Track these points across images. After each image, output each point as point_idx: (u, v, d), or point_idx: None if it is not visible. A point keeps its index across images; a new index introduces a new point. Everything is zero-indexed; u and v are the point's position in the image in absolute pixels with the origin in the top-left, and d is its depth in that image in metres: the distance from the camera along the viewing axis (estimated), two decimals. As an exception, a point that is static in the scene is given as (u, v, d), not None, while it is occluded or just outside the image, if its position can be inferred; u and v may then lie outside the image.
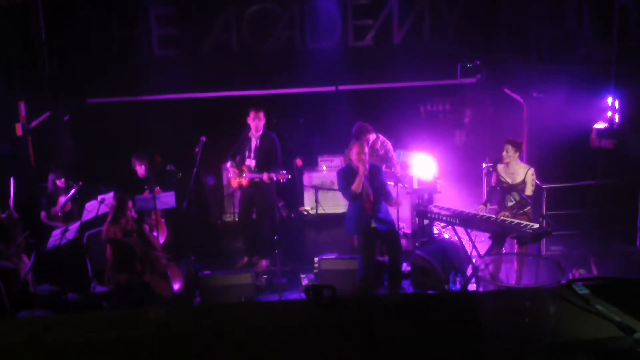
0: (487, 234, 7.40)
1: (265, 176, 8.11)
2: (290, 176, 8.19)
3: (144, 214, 7.86)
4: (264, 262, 8.64)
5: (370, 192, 7.04)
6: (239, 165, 8.34)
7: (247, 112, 8.31)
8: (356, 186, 6.99)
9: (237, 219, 9.31)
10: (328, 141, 10.75)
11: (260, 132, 8.34)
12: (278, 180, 8.11)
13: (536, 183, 7.43)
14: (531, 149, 9.11)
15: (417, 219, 9.10)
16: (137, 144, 9.29)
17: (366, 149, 7.14)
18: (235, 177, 8.41)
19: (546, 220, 7.45)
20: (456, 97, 11.11)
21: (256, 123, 8.24)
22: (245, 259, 8.74)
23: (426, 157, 8.73)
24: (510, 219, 7.12)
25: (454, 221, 7.44)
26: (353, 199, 7.04)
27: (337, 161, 10.46)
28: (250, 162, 8.39)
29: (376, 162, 8.45)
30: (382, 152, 8.73)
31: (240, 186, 8.45)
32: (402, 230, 9.22)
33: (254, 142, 8.42)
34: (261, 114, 8.28)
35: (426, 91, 10.96)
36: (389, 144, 8.75)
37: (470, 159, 10.33)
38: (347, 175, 7.15)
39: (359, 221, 7.14)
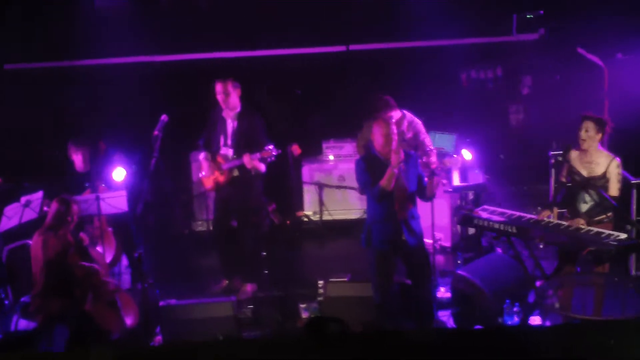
0: (555, 248, 7.53)
1: (246, 158, 8.23)
2: (280, 151, 8.29)
3: (85, 222, 7.93)
4: (248, 287, 8.70)
5: (406, 188, 7.12)
6: (214, 157, 8.52)
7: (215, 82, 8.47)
8: (387, 181, 7.00)
9: (211, 227, 9.41)
10: (335, 122, 10.90)
11: (237, 109, 8.49)
12: (264, 160, 8.21)
13: (623, 178, 7.50)
14: (615, 130, 9.16)
15: (459, 228, 9.33)
16: (73, 125, 9.40)
17: (394, 129, 7.15)
18: (210, 173, 8.57)
19: (637, 228, 7.53)
20: (511, 60, 11.28)
21: (226, 99, 8.40)
22: (224, 283, 8.82)
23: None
24: (586, 227, 7.14)
25: (509, 230, 7.48)
26: (381, 198, 7.07)
27: (348, 148, 10.64)
28: (227, 151, 8.54)
29: (404, 148, 8.60)
30: (409, 134, 8.80)
31: (217, 185, 8.58)
32: (439, 242, 9.43)
33: (229, 124, 8.56)
34: (230, 86, 8.41)
35: (469, 52, 11.14)
36: (419, 124, 8.84)
37: (530, 144, 10.45)
38: (371, 166, 7.15)
39: (386, 230, 7.16)
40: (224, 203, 8.71)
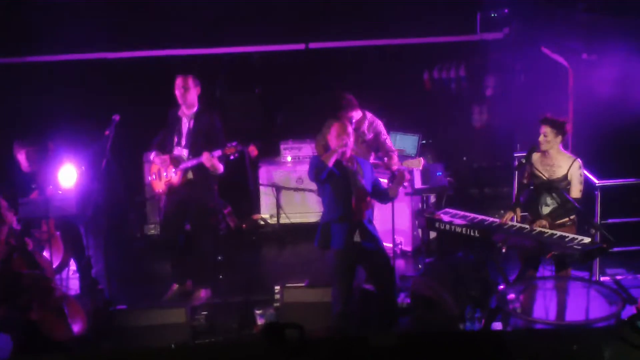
0: (518, 252, 7.56)
1: (205, 157, 8.17)
2: (241, 148, 8.25)
3: (31, 225, 7.86)
4: (202, 292, 8.65)
5: (365, 189, 7.20)
6: (167, 158, 8.44)
7: (173, 81, 8.42)
8: (327, 157, 7.09)
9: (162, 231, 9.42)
10: (294, 122, 10.97)
11: (195, 108, 8.44)
12: (227, 157, 8.19)
13: (586, 179, 7.61)
14: (579, 132, 9.23)
15: (420, 231, 9.34)
16: (19, 124, 9.35)
17: (350, 129, 7.24)
18: (162, 175, 8.50)
19: (601, 231, 7.47)
20: (475, 59, 11.35)
21: (184, 94, 8.32)
22: (175, 287, 8.74)
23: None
24: (550, 231, 7.22)
25: (471, 234, 7.54)
26: (319, 175, 7.12)
27: (307, 149, 10.65)
28: (181, 151, 8.46)
29: (363, 150, 8.59)
30: (370, 135, 8.83)
31: (170, 187, 8.52)
32: (400, 246, 9.46)
33: (185, 124, 8.50)
34: (190, 81, 8.36)
35: (432, 51, 11.19)
36: (380, 125, 8.86)
37: (494, 146, 10.54)
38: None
39: (341, 230, 7.19)
40: (178, 206, 8.62)
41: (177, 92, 8.40)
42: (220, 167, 8.39)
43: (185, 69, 8.70)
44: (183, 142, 8.48)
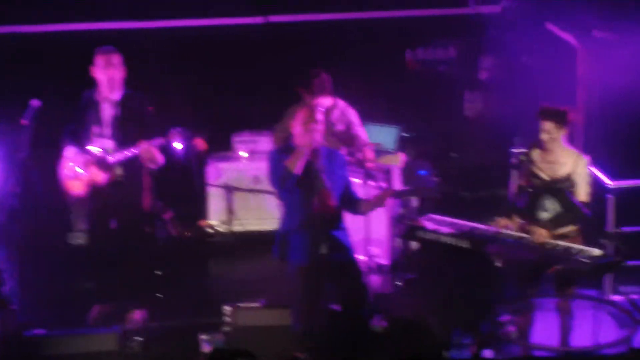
0: (516, 266, 7.59)
1: (142, 147, 8.10)
2: (187, 140, 8.22)
3: None
4: (137, 314, 8.59)
5: (326, 188, 7.22)
6: (88, 152, 8.32)
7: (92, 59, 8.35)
8: (292, 162, 7.12)
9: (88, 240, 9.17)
10: (249, 110, 10.94)
11: (120, 92, 8.36)
12: (168, 149, 8.13)
13: (597, 180, 7.82)
14: (589, 124, 9.47)
15: (399, 242, 9.38)
16: None
17: (319, 116, 7.27)
18: (82, 173, 8.33)
19: (613, 242, 7.70)
20: (467, 37, 11.44)
21: (107, 75, 8.25)
22: (104, 308, 8.63)
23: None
24: (554, 242, 7.28)
25: (460, 245, 7.58)
26: (283, 184, 7.20)
27: (265, 142, 10.66)
28: (104, 143, 8.29)
29: (332, 144, 8.47)
30: (341, 126, 8.92)
31: (94, 188, 8.37)
32: (375, 260, 9.47)
33: (106, 110, 8.38)
34: (115, 58, 8.30)
35: (416, 27, 11.30)
36: (353, 114, 8.98)
37: (490, 141, 10.70)
38: (283, 159, 7.26)
39: (304, 241, 7.24)
40: (105, 210, 8.53)
41: (98, 72, 8.31)
42: (160, 159, 8.30)
43: (113, 44, 8.54)
44: (106, 131, 8.35)
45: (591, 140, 9.05)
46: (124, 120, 8.33)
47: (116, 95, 8.38)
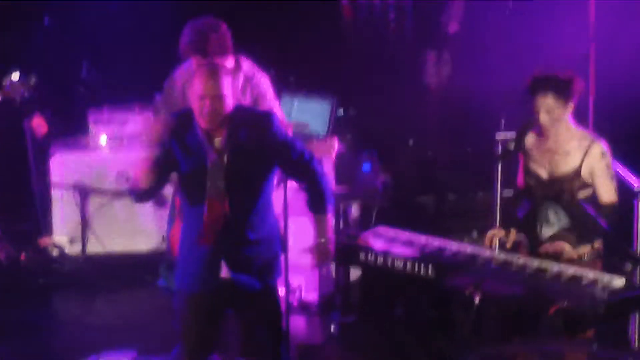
0: (502, 304, 7.42)
1: None
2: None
3: None
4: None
5: (224, 187, 7.00)
6: None
7: None
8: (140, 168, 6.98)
9: None
10: (113, 75, 11.23)
11: None
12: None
13: (616, 177, 7.55)
14: (603, 99, 9.41)
15: (332, 268, 9.42)
16: None
17: (223, 80, 6.93)
18: None
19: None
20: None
21: None
22: None
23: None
24: (555, 268, 7.07)
25: (423, 272, 7.39)
26: (136, 198, 7.22)
27: (136, 122, 10.63)
28: None
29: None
30: (246, 99, 8.68)
31: None
32: (298, 294, 9.49)
33: None
34: None
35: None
36: (263, 82, 8.82)
37: (462, 121, 11.00)
38: (182, 145, 7.03)
39: (194, 260, 7.09)
40: None
41: None
42: None
43: None
44: None
45: (606, 121, 9.24)
46: None
47: None
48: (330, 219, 7.46)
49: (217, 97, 6.91)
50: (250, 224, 7.13)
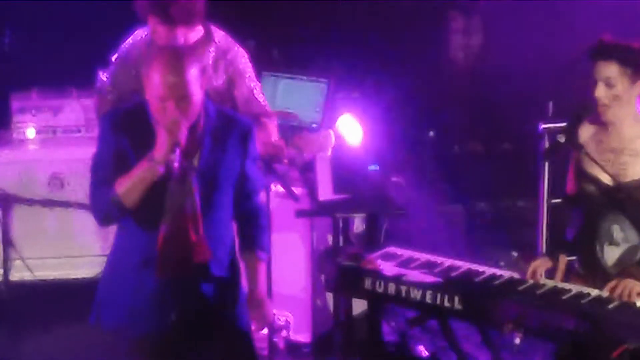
0: (547, 344, 7.56)
1: None
2: None
3: None
4: None
5: (190, 204, 6.87)
6: None
7: None
8: (133, 184, 6.72)
9: None
10: (45, 46, 11.18)
11: None
12: None
13: None
14: None
15: (330, 298, 9.26)
16: None
17: (191, 72, 6.73)
18: None
19: None
20: None
21: None
22: None
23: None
24: (619, 298, 6.89)
25: (447, 304, 7.27)
26: (108, 221, 7.06)
27: (73, 109, 10.60)
28: None
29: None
30: (219, 79, 8.70)
31: None
32: (285, 332, 9.42)
33: None
34: None
35: None
36: (241, 58, 8.78)
37: (496, 106, 11.00)
38: (132, 139, 6.85)
39: (143, 292, 6.90)
40: None
41: None
42: None
43: None
44: None
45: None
46: None
47: None
48: (264, 267, 7.30)
49: (183, 98, 6.65)
50: (217, 253, 7.00)
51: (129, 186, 6.66)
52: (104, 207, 6.81)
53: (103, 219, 6.94)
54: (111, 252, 7.10)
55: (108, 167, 6.75)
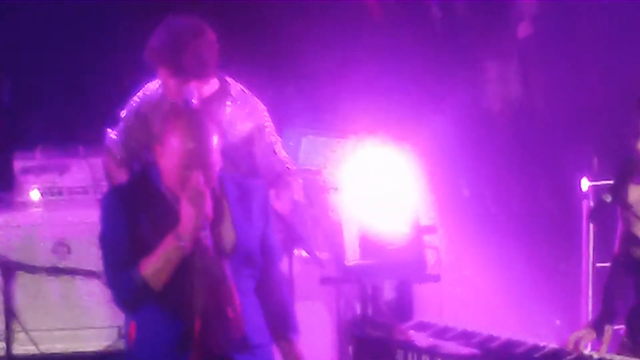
0: None
1: None
2: None
3: None
4: None
5: (223, 271, 6.78)
6: None
7: None
8: (161, 264, 6.63)
9: None
10: (52, 108, 11.22)
11: None
12: None
13: None
14: None
15: None
16: None
17: (212, 136, 6.71)
18: None
19: None
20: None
21: None
22: None
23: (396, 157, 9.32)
24: None
25: None
26: (133, 304, 6.78)
27: (81, 169, 10.50)
28: None
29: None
30: (236, 138, 8.57)
31: None
32: None
33: None
34: None
35: None
36: (260, 115, 8.68)
37: (534, 159, 11.11)
38: (148, 216, 6.76)
39: None
40: None
41: None
42: None
43: None
44: None
45: None
46: None
47: None
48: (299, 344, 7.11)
49: (205, 166, 6.61)
50: (252, 321, 6.87)
51: (157, 267, 6.58)
52: (130, 292, 6.69)
53: (130, 305, 6.75)
54: (137, 332, 6.87)
55: (125, 247, 6.64)
